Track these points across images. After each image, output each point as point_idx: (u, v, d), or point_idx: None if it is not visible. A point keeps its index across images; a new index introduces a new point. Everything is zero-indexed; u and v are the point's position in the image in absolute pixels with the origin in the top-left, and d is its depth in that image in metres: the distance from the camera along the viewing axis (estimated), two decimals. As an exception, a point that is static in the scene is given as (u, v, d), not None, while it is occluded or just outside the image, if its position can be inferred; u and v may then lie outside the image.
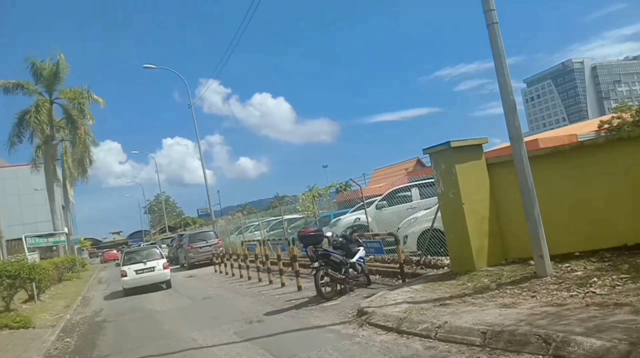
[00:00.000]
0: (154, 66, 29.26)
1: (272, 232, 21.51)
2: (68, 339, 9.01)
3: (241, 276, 15.59)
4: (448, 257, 9.01)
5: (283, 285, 11.87)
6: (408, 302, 6.79)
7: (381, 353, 5.24)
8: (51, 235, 25.49)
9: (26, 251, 20.62)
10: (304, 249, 9.63)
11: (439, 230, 9.63)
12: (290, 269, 14.06)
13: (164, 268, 16.21)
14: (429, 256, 9.98)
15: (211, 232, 26.16)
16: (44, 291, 16.99)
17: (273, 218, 22.68)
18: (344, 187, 22.57)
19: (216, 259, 20.33)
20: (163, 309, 11.44)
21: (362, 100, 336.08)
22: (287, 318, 8.05)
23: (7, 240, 31.19)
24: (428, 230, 9.92)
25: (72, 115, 31.08)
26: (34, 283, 14.42)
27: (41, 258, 30.83)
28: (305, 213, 18.21)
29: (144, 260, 16.15)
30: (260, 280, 13.64)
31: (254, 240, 20.19)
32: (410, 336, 5.60)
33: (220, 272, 18.67)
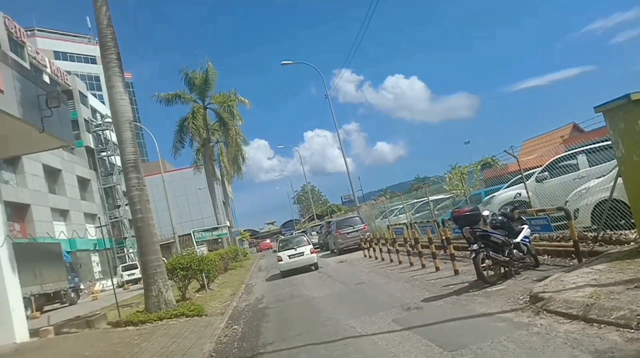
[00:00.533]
0: (292, 62, 30.32)
1: (417, 214, 20.89)
2: (235, 326, 9.55)
3: (391, 260, 15.31)
4: (634, 231, 7.65)
5: (437, 269, 11.29)
6: (592, 285, 5.82)
7: (568, 345, 4.48)
8: (215, 228, 27.97)
9: (195, 244, 22.77)
10: (458, 230, 8.95)
11: (619, 200, 8.25)
12: (442, 252, 13.39)
13: (311, 252, 18.72)
14: (608, 231, 8.62)
15: (357, 218, 26.38)
16: (213, 280, 18.59)
17: (417, 200, 22.02)
18: (490, 163, 21.06)
19: (364, 244, 20.37)
20: (319, 295, 11.62)
21: (502, 69, 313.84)
22: (447, 305, 7.52)
23: (180, 235, 35.12)
24: (605, 200, 8.55)
25: (224, 118, 33.71)
26: (203, 274, 15.80)
27: (209, 250, 34.22)
28: (453, 192, 17.27)
29: (294, 247, 18.93)
30: (411, 264, 13.21)
31: (399, 224, 19.78)
32: (602, 325, 4.73)
33: (370, 257, 18.62)
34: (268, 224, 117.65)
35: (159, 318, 10.65)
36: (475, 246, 8.12)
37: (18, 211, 38.70)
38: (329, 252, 27.36)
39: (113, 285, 14.21)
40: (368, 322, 7.40)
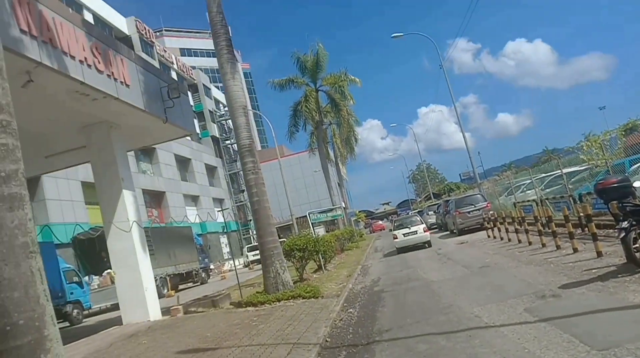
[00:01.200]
0: (402, 34, 29.21)
1: (547, 190, 18.94)
2: (351, 310, 9.29)
3: (519, 241, 13.99)
4: None
5: (575, 250, 9.97)
6: None
7: None
8: (330, 210, 28.19)
9: (311, 226, 23.09)
10: (601, 205, 7.72)
11: None
12: (579, 231, 11.89)
13: (424, 231, 20.09)
14: None
15: (478, 195, 24.78)
16: (329, 261, 18.65)
17: (546, 174, 19.97)
18: (638, 126, 18.40)
19: (487, 223, 19.01)
20: (439, 278, 10.94)
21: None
22: (591, 292, 6.47)
23: (297, 217, 36.08)
24: None
25: (335, 99, 33.70)
26: (320, 255, 15.84)
27: (327, 231, 34.74)
28: (592, 162, 15.30)
29: (408, 226, 20.45)
30: (543, 245, 11.89)
31: (527, 201, 18.07)
32: None
33: (494, 237, 17.30)
34: (383, 204, 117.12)
35: (277, 300, 10.78)
36: (625, 224, 6.91)
37: (155, 198, 42.61)
38: (447, 233, 26.16)
39: (234, 267, 14.81)
40: (495, 310, 6.65)
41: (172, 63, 55.79)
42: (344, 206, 34.64)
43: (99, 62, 10.27)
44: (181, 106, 14.09)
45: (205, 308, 12.21)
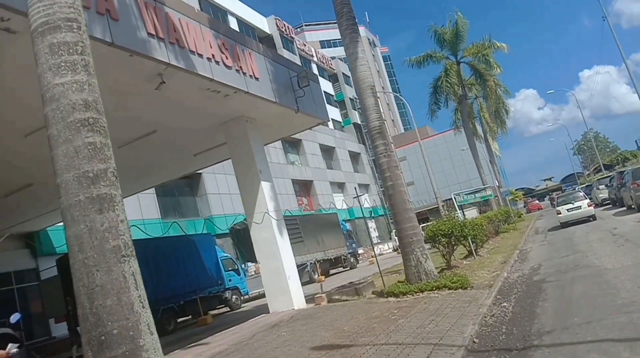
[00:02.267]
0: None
1: None
2: (505, 303, 8.07)
3: None
4: None
5: None
6: None
7: None
8: (477, 191, 26.10)
9: (457, 208, 21.59)
10: None
11: None
12: None
13: (588, 206, 20.88)
14: None
15: (663, 163, 20.80)
16: (482, 246, 17.10)
17: None
18: None
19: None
20: (614, 266, 9.07)
21: None
22: None
23: (445, 200, 34.32)
24: None
25: (479, 69, 31.14)
26: (469, 239, 14.51)
27: (480, 213, 32.46)
28: None
29: (572, 201, 21.44)
30: None
31: None
32: None
33: (690, 213, 14.17)
34: (545, 180, 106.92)
35: (419, 290, 9.96)
36: None
37: (304, 187, 44.18)
38: (623, 208, 22.45)
39: (375, 256, 14.30)
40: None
41: (312, 56, 57.17)
42: (497, 184, 31.91)
43: (227, 58, 10.39)
44: (312, 94, 13.90)
45: (348, 297, 11.89)
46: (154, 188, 25.98)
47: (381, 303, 9.85)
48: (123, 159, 13.06)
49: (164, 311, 15.41)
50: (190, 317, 17.63)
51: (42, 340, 17.69)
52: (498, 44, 31.35)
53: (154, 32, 8.39)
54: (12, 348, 4.90)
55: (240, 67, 10.82)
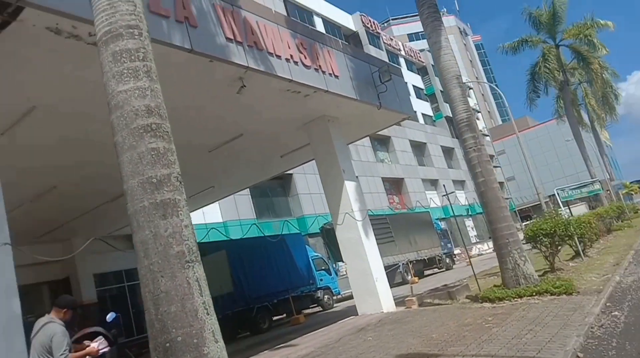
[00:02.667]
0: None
1: None
2: (616, 312, 7.14)
3: None
4: None
5: None
6: None
7: None
8: (584, 185, 23.81)
9: (560, 204, 19.86)
10: None
11: None
12: None
13: None
14: None
15: None
16: (591, 245, 15.57)
17: None
18: None
19: None
20: None
21: None
22: None
23: (550, 196, 31.86)
24: None
25: (581, 52, 28.55)
26: (575, 238, 13.22)
27: (590, 209, 29.73)
28: None
29: None
30: None
31: None
32: None
33: None
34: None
35: (517, 295, 9.16)
36: None
37: (395, 185, 43.43)
38: None
39: (469, 257, 13.46)
40: None
41: (399, 50, 56.14)
42: (607, 177, 29.01)
43: (305, 58, 10.33)
44: (395, 89, 13.46)
45: (440, 300, 11.32)
46: (248, 190, 26.95)
47: (475, 309, 9.21)
48: (214, 163, 13.68)
49: (258, 309, 15.79)
50: (284, 315, 17.94)
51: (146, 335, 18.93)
52: (602, 22, 28.51)
53: (232, 37, 8.50)
54: (101, 344, 5.13)
55: (320, 66, 10.71)
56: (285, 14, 34.63)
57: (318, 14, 43.09)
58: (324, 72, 10.83)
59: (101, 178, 12.61)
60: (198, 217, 23.35)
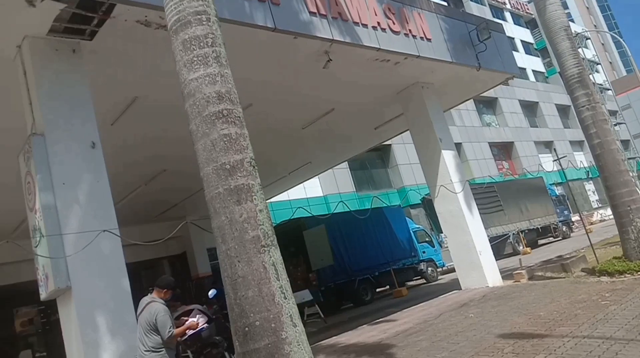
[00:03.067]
0: None
1: None
2: None
3: None
4: None
5: None
6: None
7: None
8: None
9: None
10: None
11: None
12: None
13: None
14: None
15: None
16: None
17: None
18: None
19: None
20: None
21: None
22: None
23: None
24: None
25: None
26: None
27: None
28: None
29: None
30: None
31: None
32: None
33: None
34: None
35: (641, 269, 8.21)
36: None
37: (504, 150, 40.98)
38: None
39: (584, 226, 12.25)
40: None
41: (504, 3, 52.08)
42: None
43: (394, 23, 9.88)
44: (496, 47, 12.46)
45: (553, 273, 10.52)
46: (347, 163, 27.03)
47: (591, 284, 8.42)
48: (309, 140, 13.80)
49: (360, 282, 15.90)
50: (387, 287, 17.89)
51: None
52: None
53: (315, 10, 8.34)
54: (201, 318, 5.43)
55: (409, 30, 10.19)
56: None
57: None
58: (414, 36, 10.29)
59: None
60: (299, 192, 23.95)
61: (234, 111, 3.60)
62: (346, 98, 11.35)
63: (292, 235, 15.83)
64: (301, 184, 21.96)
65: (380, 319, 9.67)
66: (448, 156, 11.40)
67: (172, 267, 21.72)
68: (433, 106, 11.75)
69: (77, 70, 6.46)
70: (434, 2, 11.74)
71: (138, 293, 5.72)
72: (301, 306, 13.44)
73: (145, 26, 6.66)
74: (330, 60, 8.93)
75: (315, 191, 25.35)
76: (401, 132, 15.46)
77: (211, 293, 7.24)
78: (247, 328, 3.25)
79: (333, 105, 11.68)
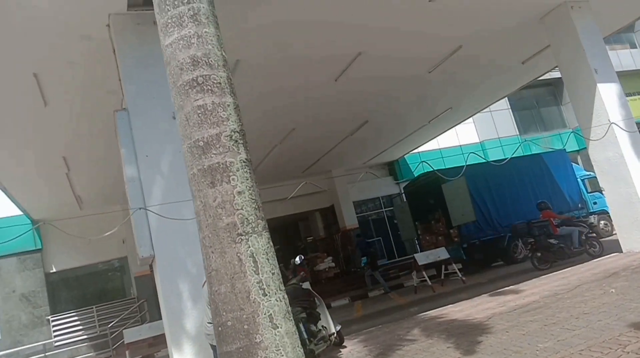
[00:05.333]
0: None
1: None
2: None
3: None
4: None
5: None
6: None
7: None
8: None
9: None
10: None
11: None
12: None
13: None
14: None
15: None
16: None
17: None
18: None
19: None
20: None
21: None
22: None
23: None
24: None
25: None
26: None
27: None
28: None
29: None
30: None
31: None
32: None
33: None
34: None
35: None
36: None
37: None
38: None
39: None
40: None
41: None
42: None
43: None
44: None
45: None
46: (507, 103, 24.31)
47: None
48: (440, 83, 12.51)
49: (510, 238, 14.31)
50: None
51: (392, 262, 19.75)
52: None
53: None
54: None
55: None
56: None
57: None
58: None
59: (333, 117, 13.08)
60: (452, 139, 22.36)
61: (211, 76, 3.10)
62: (473, 30, 9.83)
63: (431, 188, 14.90)
64: (453, 131, 20.46)
65: (507, 287, 8.48)
66: (606, 91, 9.20)
67: (324, 219, 22.48)
68: (587, 31, 9.49)
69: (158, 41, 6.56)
70: None
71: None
72: (438, 264, 12.69)
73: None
74: (437, -9, 7.69)
75: (470, 137, 23.37)
76: (551, 70, 13.10)
77: (297, 259, 7.07)
78: (220, 328, 2.87)
79: (459, 42, 10.26)
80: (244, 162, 3.05)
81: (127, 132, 6.11)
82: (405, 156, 21.46)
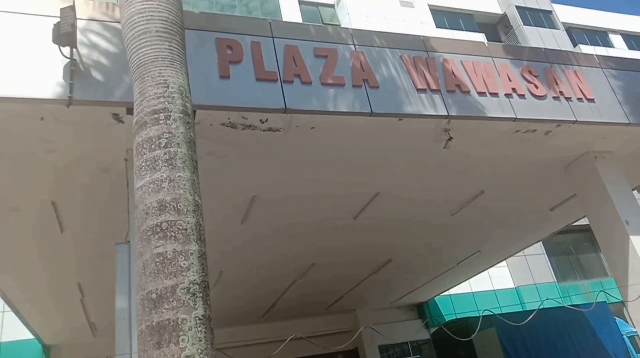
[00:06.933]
0: None
1: None
2: None
3: None
4: None
5: None
6: None
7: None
8: None
9: None
10: None
11: None
12: None
13: None
14: None
15: None
16: None
17: None
18: None
19: None
20: None
21: None
22: None
23: None
24: None
25: None
26: None
27: None
28: None
29: None
30: None
31: None
32: None
33: None
34: None
35: None
36: None
37: None
38: None
39: None
40: None
41: None
42: None
43: (536, 87, 8.23)
44: None
45: None
46: (543, 248, 23.39)
47: None
48: (464, 227, 12.13)
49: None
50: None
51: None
52: None
53: (425, 87, 7.41)
54: None
55: (561, 92, 8.35)
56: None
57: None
58: (568, 98, 8.39)
59: (353, 254, 12.74)
60: (486, 283, 21.27)
61: (177, 222, 2.92)
62: (490, 176, 9.69)
63: (460, 339, 13.74)
64: (486, 274, 19.52)
65: None
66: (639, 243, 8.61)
67: (347, 363, 20.85)
68: (613, 181, 9.18)
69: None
70: (598, 56, 9.63)
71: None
72: None
73: (232, 128, 6.62)
74: (451, 138, 7.71)
75: (504, 282, 22.21)
76: (580, 218, 12.58)
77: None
78: None
79: (481, 187, 10.10)
80: (199, 319, 2.71)
81: (125, 266, 5.95)
82: (435, 298, 20.35)
